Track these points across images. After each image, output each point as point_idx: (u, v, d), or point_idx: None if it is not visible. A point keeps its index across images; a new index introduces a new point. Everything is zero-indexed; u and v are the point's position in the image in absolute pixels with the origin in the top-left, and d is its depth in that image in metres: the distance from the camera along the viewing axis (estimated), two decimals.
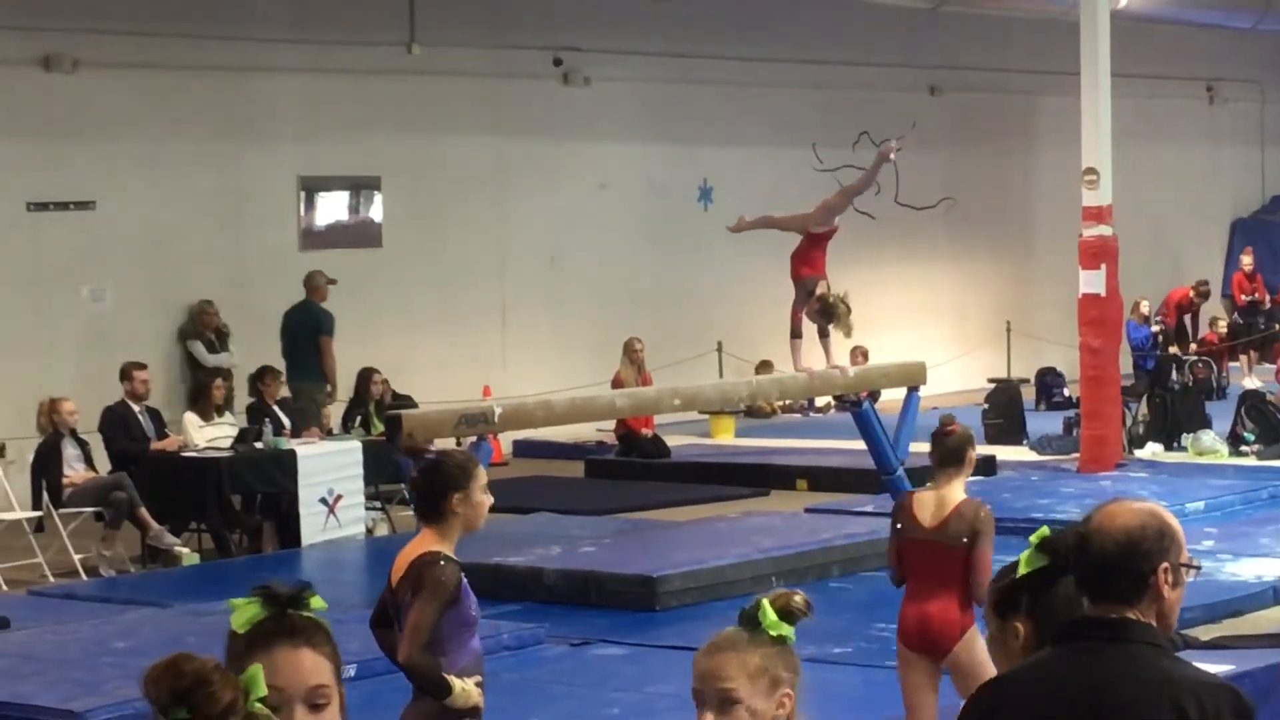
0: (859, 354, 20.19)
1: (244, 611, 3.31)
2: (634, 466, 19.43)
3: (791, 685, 3.66)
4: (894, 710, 9.58)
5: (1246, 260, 28.29)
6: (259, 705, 2.86)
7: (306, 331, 18.13)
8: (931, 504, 8.00)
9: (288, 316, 18.53)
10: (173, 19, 19.10)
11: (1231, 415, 19.57)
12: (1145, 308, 26.14)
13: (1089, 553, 3.75)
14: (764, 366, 21.77)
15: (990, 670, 7.52)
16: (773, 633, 3.64)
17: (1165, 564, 3.71)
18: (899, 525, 8.05)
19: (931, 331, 25.52)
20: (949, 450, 8.05)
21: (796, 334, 14.07)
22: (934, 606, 7.82)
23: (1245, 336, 26.88)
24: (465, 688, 6.31)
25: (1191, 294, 26.74)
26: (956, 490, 8.00)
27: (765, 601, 3.68)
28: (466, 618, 6.32)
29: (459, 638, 6.31)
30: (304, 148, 20.29)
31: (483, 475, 6.44)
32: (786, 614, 3.66)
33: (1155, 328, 26.09)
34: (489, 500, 6.44)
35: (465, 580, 6.31)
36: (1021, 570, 4.23)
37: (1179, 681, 3.63)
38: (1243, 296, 27.99)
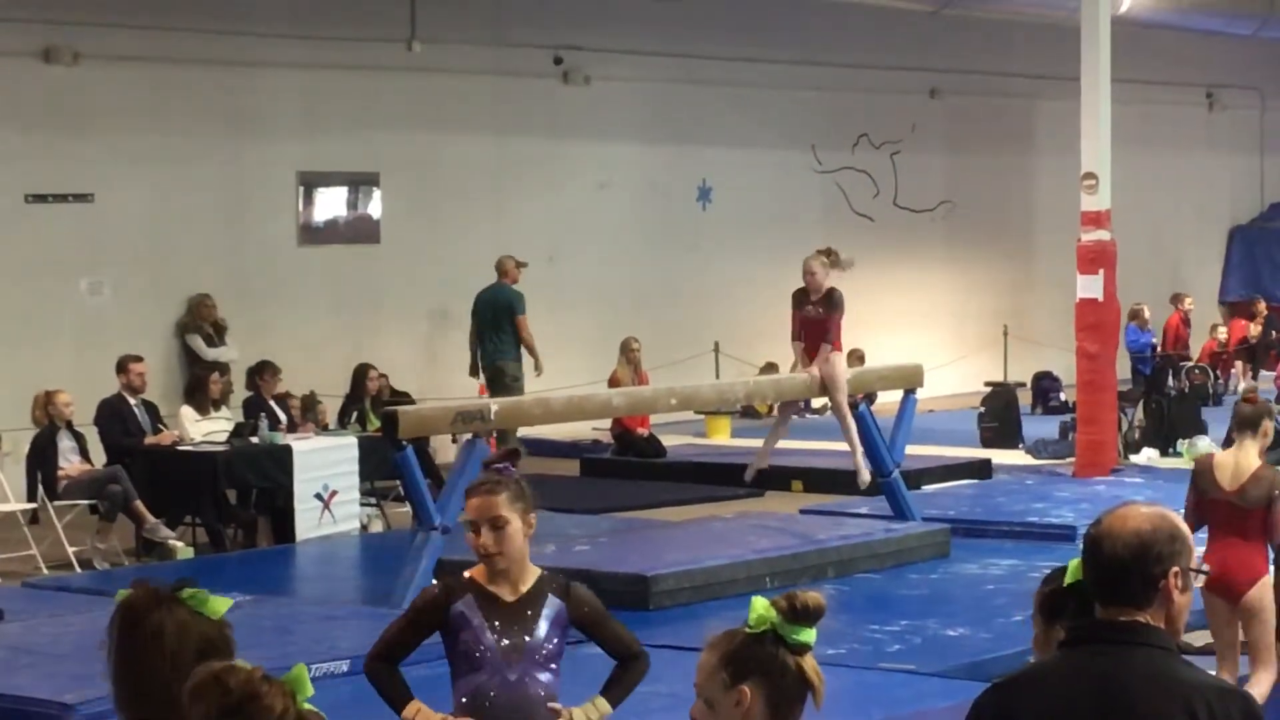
0: (855, 357, 20.16)
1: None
2: (630, 466, 19.41)
3: (758, 685, 3.68)
4: (886, 712, 9.58)
5: (1255, 328, 27.85)
6: (307, 705, 2.78)
7: (503, 313, 19.11)
8: (1230, 467, 9.08)
9: (480, 300, 19.31)
10: (174, 13, 19.09)
11: (1227, 421, 19.51)
12: (1147, 313, 26.06)
13: (1100, 555, 3.75)
14: (768, 369, 21.74)
15: (1272, 614, 8.59)
16: (749, 630, 3.72)
17: (1176, 568, 3.71)
18: (1201, 485, 9.16)
19: (929, 335, 25.51)
20: (1244, 417, 9.23)
21: (798, 338, 14.14)
22: (1233, 558, 8.86)
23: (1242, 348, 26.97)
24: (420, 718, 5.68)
25: (1180, 318, 26.66)
26: (1251, 456, 9.10)
27: (756, 599, 3.76)
28: (464, 649, 5.74)
29: (457, 668, 5.79)
30: (303, 143, 20.28)
31: (470, 507, 5.98)
32: (794, 614, 3.69)
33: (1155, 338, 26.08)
34: (472, 536, 5.96)
35: (472, 612, 5.78)
36: (1069, 579, 4.25)
37: (1191, 686, 3.63)
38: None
